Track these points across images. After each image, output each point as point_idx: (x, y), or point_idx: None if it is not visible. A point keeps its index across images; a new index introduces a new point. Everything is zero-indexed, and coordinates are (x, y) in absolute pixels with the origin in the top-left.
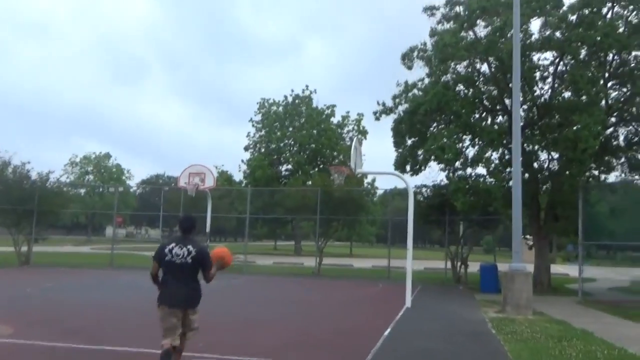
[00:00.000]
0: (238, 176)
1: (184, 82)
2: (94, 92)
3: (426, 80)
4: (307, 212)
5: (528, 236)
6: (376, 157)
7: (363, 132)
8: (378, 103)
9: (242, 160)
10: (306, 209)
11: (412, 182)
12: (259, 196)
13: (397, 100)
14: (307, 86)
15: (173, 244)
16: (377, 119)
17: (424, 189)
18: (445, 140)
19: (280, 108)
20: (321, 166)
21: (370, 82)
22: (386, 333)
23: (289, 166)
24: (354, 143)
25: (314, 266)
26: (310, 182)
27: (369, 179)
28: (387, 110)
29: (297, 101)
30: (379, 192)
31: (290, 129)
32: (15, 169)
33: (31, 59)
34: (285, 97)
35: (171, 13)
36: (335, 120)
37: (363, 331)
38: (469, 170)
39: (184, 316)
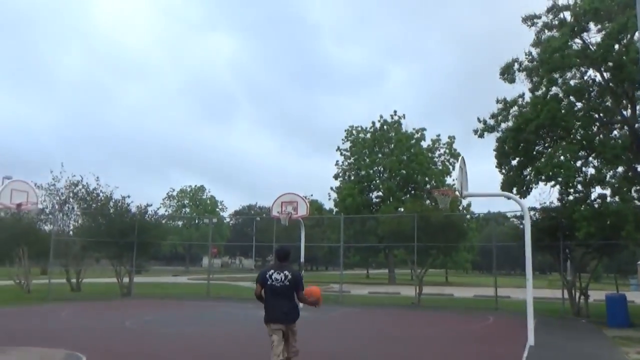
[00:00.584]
0: (328, 205)
1: (271, 115)
2: (189, 129)
3: (527, 96)
4: (403, 239)
5: None
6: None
7: (455, 155)
8: (479, 120)
9: (332, 188)
10: (402, 236)
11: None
12: (351, 224)
13: (499, 117)
14: (395, 111)
15: (272, 271)
16: (481, 136)
17: (531, 212)
18: (562, 158)
19: (369, 135)
20: (413, 192)
21: (458, 106)
22: None
23: (379, 193)
24: (458, 163)
25: (413, 296)
26: (402, 209)
27: (464, 202)
28: (489, 128)
29: (385, 127)
30: (475, 216)
31: (380, 155)
32: (116, 203)
33: (129, 100)
34: (373, 122)
35: (256, 49)
36: (425, 144)
37: None
38: (582, 190)
39: (286, 331)
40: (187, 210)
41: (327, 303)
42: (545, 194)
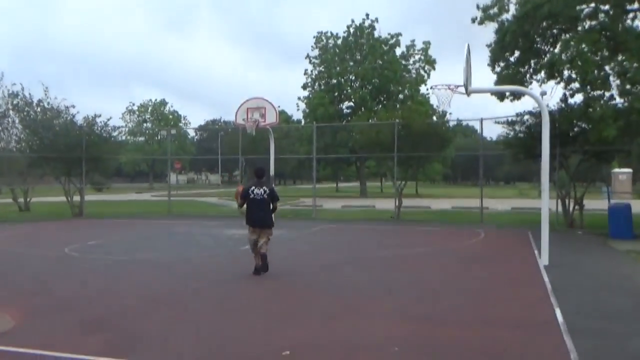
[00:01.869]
0: (297, 116)
1: (235, 25)
2: (147, 39)
3: None
4: (381, 150)
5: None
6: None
7: (430, 62)
8: (478, 7)
9: (300, 99)
10: (380, 146)
11: (513, 108)
12: (321, 136)
13: (498, 3)
14: (367, 15)
15: (253, 187)
16: (481, 23)
17: (525, 117)
18: (583, 47)
19: (340, 41)
20: (385, 102)
21: (430, 12)
22: (559, 318)
23: (351, 103)
24: (465, 53)
25: (390, 209)
26: (374, 120)
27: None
28: (489, 17)
29: (358, 33)
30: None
31: (351, 63)
32: (60, 114)
33: (81, 7)
34: (348, 27)
35: None
36: (399, 52)
37: (517, 314)
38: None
39: (260, 232)
40: (149, 125)
41: (300, 218)
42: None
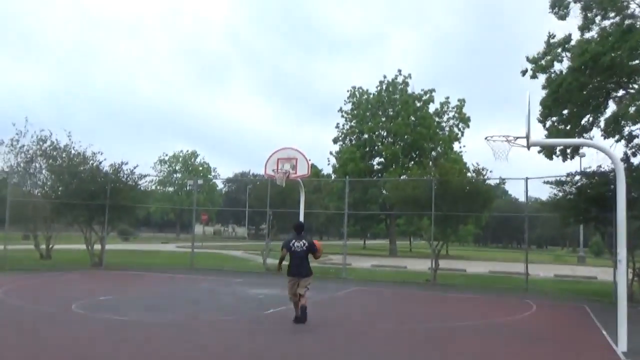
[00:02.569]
0: (327, 170)
1: (267, 80)
2: (182, 93)
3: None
4: (416, 207)
5: None
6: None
7: (465, 120)
8: (528, 59)
9: (331, 153)
10: (416, 204)
11: (563, 168)
12: (351, 191)
13: (551, 54)
14: (399, 71)
15: (294, 240)
16: (533, 77)
17: (575, 177)
18: None
19: (372, 96)
20: (418, 159)
21: (461, 74)
22: None
23: (381, 159)
24: (527, 101)
25: (424, 271)
26: (404, 177)
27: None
28: (541, 67)
29: (390, 88)
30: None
31: (383, 118)
32: (86, 160)
33: (119, 61)
34: (381, 82)
35: (251, 8)
36: (432, 108)
37: None
38: None
39: (299, 281)
40: (179, 176)
41: (329, 278)
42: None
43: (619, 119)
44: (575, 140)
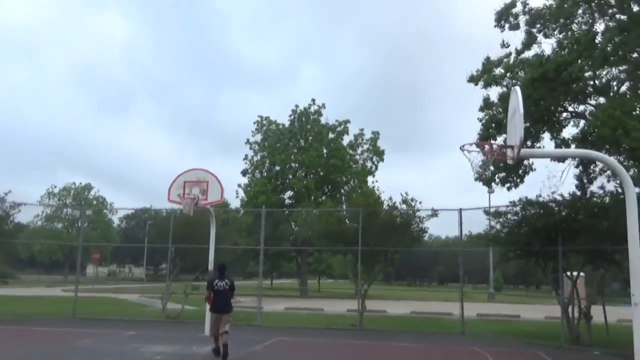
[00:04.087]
0: (235, 204)
1: (171, 112)
2: (77, 122)
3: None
4: (341, 242)
5: None
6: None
7: (379, 153)
8: (472, 78)
9: (240, 186)
10: (340, 238)
11: (504, 197)
12: (259, 228)
13: (505, 66)
14: (313, 100)
15: (217, 280)
16: (487, 85)
17: (516, 207)
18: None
19: (286, 124)
20: (329, 193)
21: (371, 110)
22: None
23: (293, 192)
24: (517, 99)
25: (351, 315)
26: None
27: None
28: (493, 79)
29: (303, 118)
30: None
31: (295, 150)
32: None
33: (9, 85)
34: (293, 111)
35: (155, 35)
36: (345, 141)
37: None
38: None
39: (222, 318)
40: (70, 211)
41: (241, 325)
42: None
43: (587, 137)
44: (578, 151)
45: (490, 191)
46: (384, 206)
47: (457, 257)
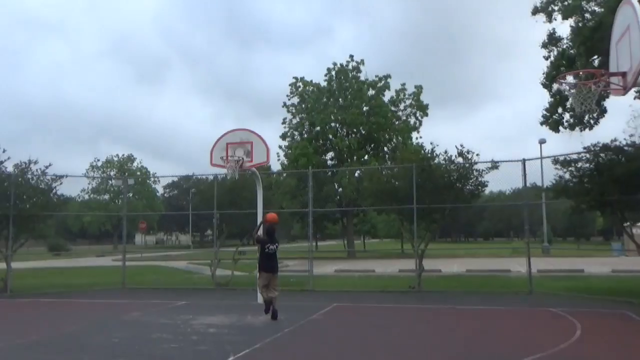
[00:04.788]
0: (275, 167)
1: (206, 78)
2: (115, 95)
3: None
4: (396, 201)
5: None
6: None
7: (422, 108)
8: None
9: (281, 148)
10: (395, 196)
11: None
12: (303, 189)
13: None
14: (351, 57)
15: (269, 244)
16: (566, 16)
17: (588, 154)
18: None
19: (324, 82)
20: (372, 152)
21: (408, 62)
22: None
23: (333, 153)
24: (622, 17)
25: (407, 276)
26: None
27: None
28: (569, 9)
29: (341, 76)
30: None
31: (335, 109)
32: None
33: (44, 63)
34: (329, 70)
35: (183, 2)
36: (387, 97)
37: None
38: None
39: (272, 276)
40: (113, 182)
41: (291, 291)
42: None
43: None
44: None
45: (542, 140)
46: (440, 159)
47: (501, 212)
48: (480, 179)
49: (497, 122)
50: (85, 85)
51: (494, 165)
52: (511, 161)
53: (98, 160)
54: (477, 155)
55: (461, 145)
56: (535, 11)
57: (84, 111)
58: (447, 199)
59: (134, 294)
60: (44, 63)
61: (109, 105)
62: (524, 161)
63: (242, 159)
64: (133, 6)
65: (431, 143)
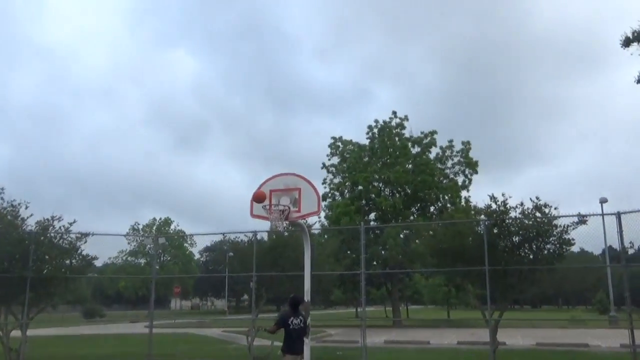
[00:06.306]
0: (314, 231)
1: (243, 142)
2: (154, 159)
3: None
4: (461, 262)
5: None
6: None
7: (472, 165)
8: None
9: (322, 209)
10: (459, 256)
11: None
12: (345, 252)
13: None
14: (394, 113)
15: (292, 317)
16: None
17: None
18: None
19: (363, 144)
20: (419, 211)
21: (448, 123)
22: None
23: (377, 213)
24: None
25: (484, 353)
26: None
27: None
28: None
29: (386, 131)
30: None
31: (378, 166)
32: (1, 214)
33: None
34: (370, 128)
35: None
36: (432, 154)
37: None
38: None
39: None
40: (151, 247)
41: None
42: None
43: None
44: None
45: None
46: (516, 213)
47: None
48: (565, 236)
49: (540, 183)
50: (126, 150)
51: (581, 219)
52: (603, 214)
53: (138, 224)
54: (556, 209)
55: (537, 198)
56: (628, 42)
57: (123, 176)
58: (524, 260)
59: None
60: (86, 129)
61: (149, 170)
62: (618, 214)
63: (289, 208)
64: (173, 72)
65: (503, 194)
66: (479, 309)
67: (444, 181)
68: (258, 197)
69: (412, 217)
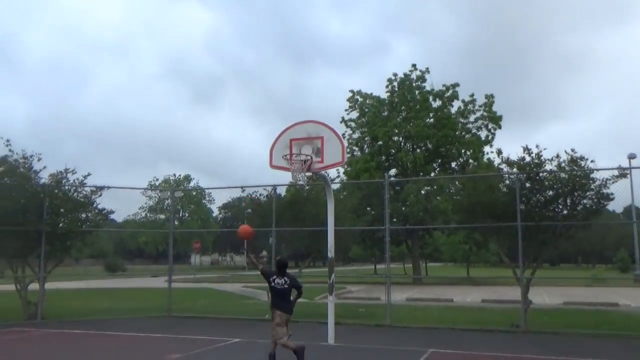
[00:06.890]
0: (334, 186)
1: (260, 97)
2: (170, 115)
3: None
4: (490, 217)
5: None
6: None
7: (495, 120)
8: None
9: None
10: (489, 212)
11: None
12: (366, 207)
13: None
14: (414, 66)
15: (275, 276)
16: None
17: None
18: None
19: (382, 98)
20: (441, 166)
21: (469, 76)
22: None
23: (397, 169)
24: None
25: (514, 312)
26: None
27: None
28: None
29: (405, 85)
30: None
31: (398, 121)
32: (12, 167)
33: (103, 83)
34: (390, 81)
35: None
36: (454, 108)
37: None
38: None
39: (287, 317)
40: (169, 202)
41: (365, 323)
42: None
43: None
44: None
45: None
46: (552, 166)
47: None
48: (604, 190)
49: (563, 140)
50: (143, 106)
51: (622, 172)
52: (633, 168)
53: (157, 179)
54: (592, 162)
55: (572, 150)
56: None
57: (141, 132)
58: (557, 216)
59: (179, 324)
60: (103, 83)
61: (166, 126)
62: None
63: (311, 158)
64: (187, 27)
65: (537, 146)
66: (508, 266)
67: (466, 136)
68: (244, 232)
69: (433, 174)
